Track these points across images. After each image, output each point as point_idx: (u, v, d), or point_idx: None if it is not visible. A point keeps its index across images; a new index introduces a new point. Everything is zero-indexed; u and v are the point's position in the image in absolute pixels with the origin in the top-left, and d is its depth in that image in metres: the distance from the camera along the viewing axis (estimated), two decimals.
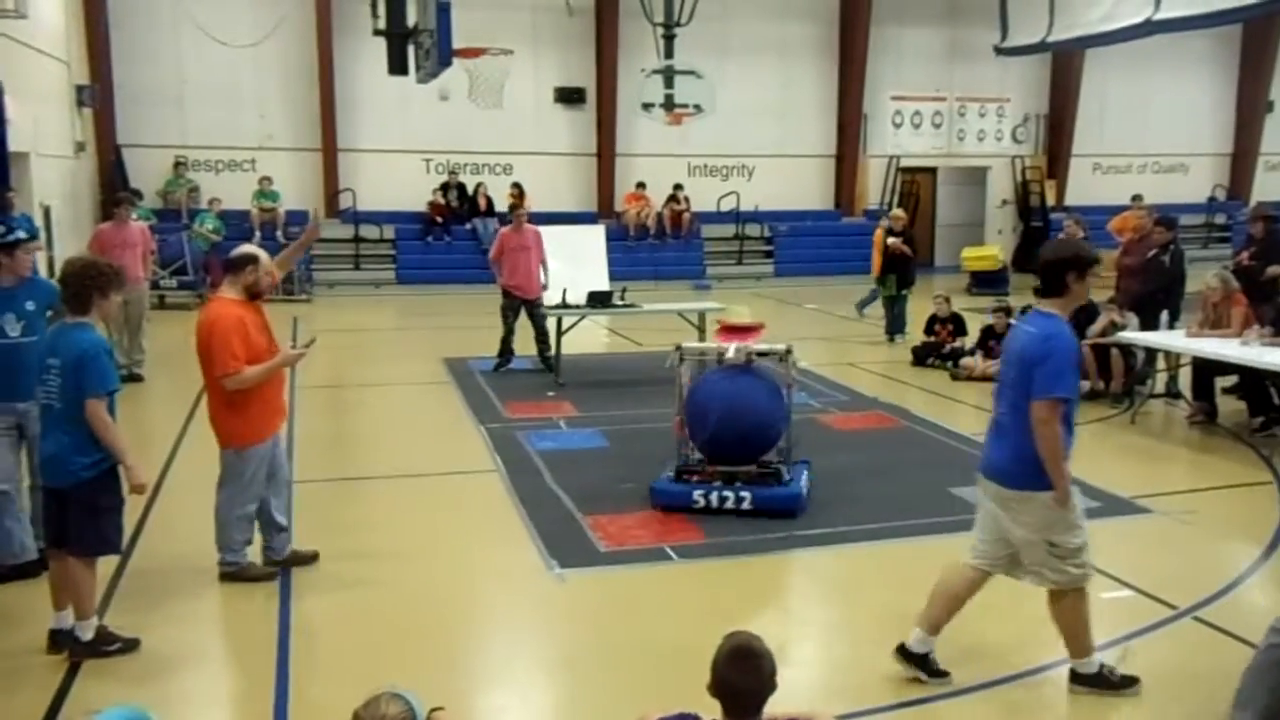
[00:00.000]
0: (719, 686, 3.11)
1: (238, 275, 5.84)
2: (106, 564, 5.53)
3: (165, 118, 19.82)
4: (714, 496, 7.11)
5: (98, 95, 18.06)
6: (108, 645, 5.07)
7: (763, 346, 7.70)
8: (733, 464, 7.29)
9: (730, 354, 7.50)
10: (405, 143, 20.97)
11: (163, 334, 13.39)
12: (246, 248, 6.11)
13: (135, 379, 11.39)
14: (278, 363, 5.92)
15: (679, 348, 7.79)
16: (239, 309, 5.77)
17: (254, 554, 6.12)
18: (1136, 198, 17.86)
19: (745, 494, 7.09)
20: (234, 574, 5.99)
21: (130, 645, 5.12)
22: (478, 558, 6.57)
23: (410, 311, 18.22)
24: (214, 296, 5.96)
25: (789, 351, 7.63)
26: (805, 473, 7.54)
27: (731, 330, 8.08)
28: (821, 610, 6.02)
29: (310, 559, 6.24)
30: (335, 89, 20.25)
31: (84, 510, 4.94)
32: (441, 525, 7.16)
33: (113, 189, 17.14)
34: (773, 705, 3.20)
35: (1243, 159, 26.39)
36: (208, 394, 5.94)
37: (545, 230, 12.75)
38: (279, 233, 19.47)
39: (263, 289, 5.96)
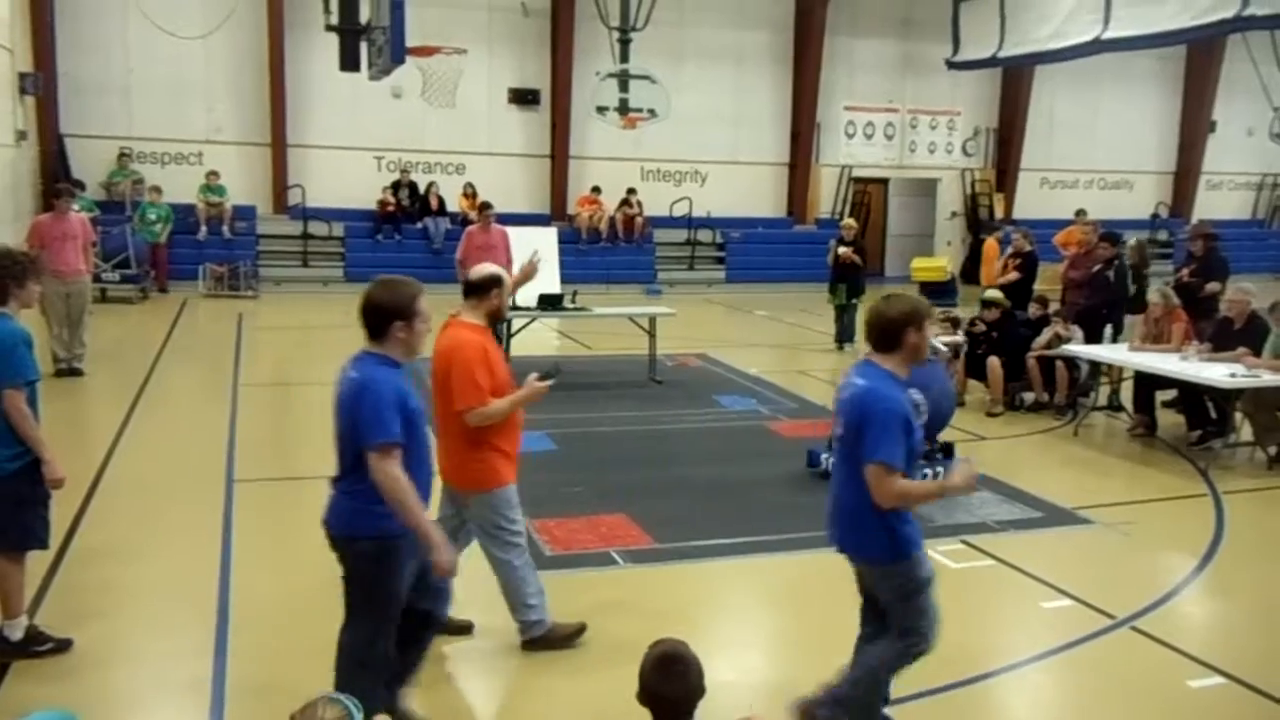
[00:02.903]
0: (647, 695, 3.09)
1: (482, 299, 5.19)
2: (39, 562, 5.41)
3: (110, 108, 19.46)
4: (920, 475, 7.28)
5: (41, 83, 17.71)
6: (39, 645, 4.95)
7: (946, 339, 9.09)
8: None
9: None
10: (356, 140, 20.75)
11: (105, 328, 13.17)
12: (489, 268, 5.40)
13: (75, 373, 11.18)
14: (523, 397, 5.07)
15: None
16: (481, 337, 5.11)
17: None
18: (1080, 212, 18.14)
19: (940, 470, 7.64)
20: (543, 638, 5.20)
21: (63, 645, 5.00)
22: None
23: (358, 310, 18.01)
24: (453, 320, 5.21)
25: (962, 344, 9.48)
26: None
27: None
28: (768, 616, 6.03)
29: (464, 629, 5.41)
30: (286, 83, 19.99)
31: (7, 504, 4.82)
32: None
33: (54, 179, 16.84)
34: (713, 710, 3.19)
35: (1185, 177, 26.92)
36: (447, 435, 5.11)
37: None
38: (225, 228, 19.24)
39: (504, 313, 5.48)
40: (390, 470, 3.87)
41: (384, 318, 4.18)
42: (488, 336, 5.18)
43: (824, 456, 8.12)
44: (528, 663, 5.17)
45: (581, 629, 5.31)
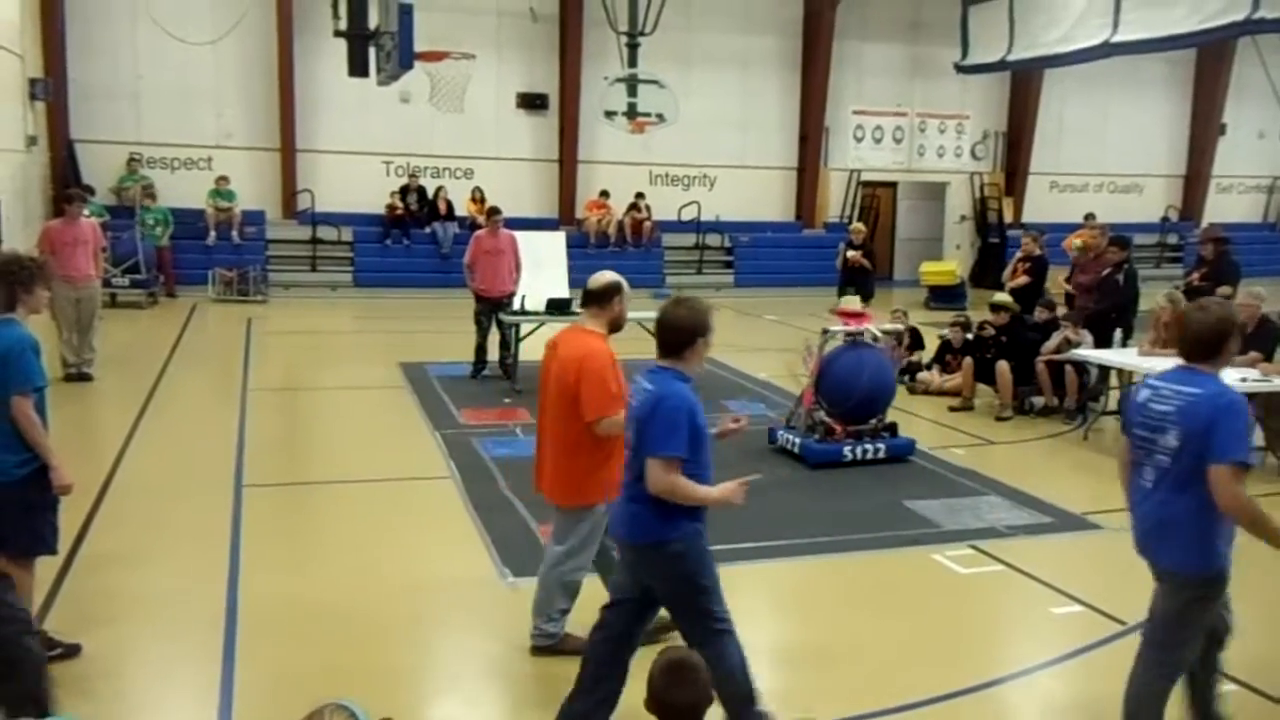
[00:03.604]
0: (655, 703, 3.07)
1: (604, 307, 5.05)
2: (48, 568, 5.41)
3: (120, 113, 19.52)
4: (859, 450, 8.81)
5: (51, 89, 17.76)
6: (48, 651, 4.94)
7: (888, 327, 9.69)
8: (861, 422, 8.94)
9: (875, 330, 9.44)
10: (365, 144, 20.80)
11: (114, 333, 13.20)
12: (610, 275, 5.18)
13: (85, 378, 11.20)
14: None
15: (825, 331, 9.55)
16: (606, 345, 4.99)
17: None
18: (1089, 216, 18.12)
19: (880, 445, 8.90)
20: (552, 647, 5.18)
21: (71, 651, 5.01)
22: (429, 565, 6.50)
23: (367, 315, 18.06)
24: (577, 329, 5.09)
25: (903, 332, 9.98)
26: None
27: (847, 314, 9.59)
28: (775, 622, 6.01)
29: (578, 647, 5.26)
30: (295, 89, 20.04)
31: (16, 510, 4.81)
32: (393, 531, 7.08)
33: (64, 184, 16.89)
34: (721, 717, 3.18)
35: (1195, 181, 26.82)
36: (558, 442, 5.01)
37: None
38: (234, 233, 19.28)
39: (624, 321, 5.22)
40: (670, 480, 4.00)
41: (686, 336, 4.17)
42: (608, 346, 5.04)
43: (780, 433, 9.22)
44: (534, 670, 5.16)
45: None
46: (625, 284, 5.16)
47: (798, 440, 8.98)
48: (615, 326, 5.10)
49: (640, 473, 4.09)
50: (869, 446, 8.86)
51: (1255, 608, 6.22)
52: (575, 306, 12.08)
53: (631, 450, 4.18)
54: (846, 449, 8.81)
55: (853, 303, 10.02)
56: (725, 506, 4.09)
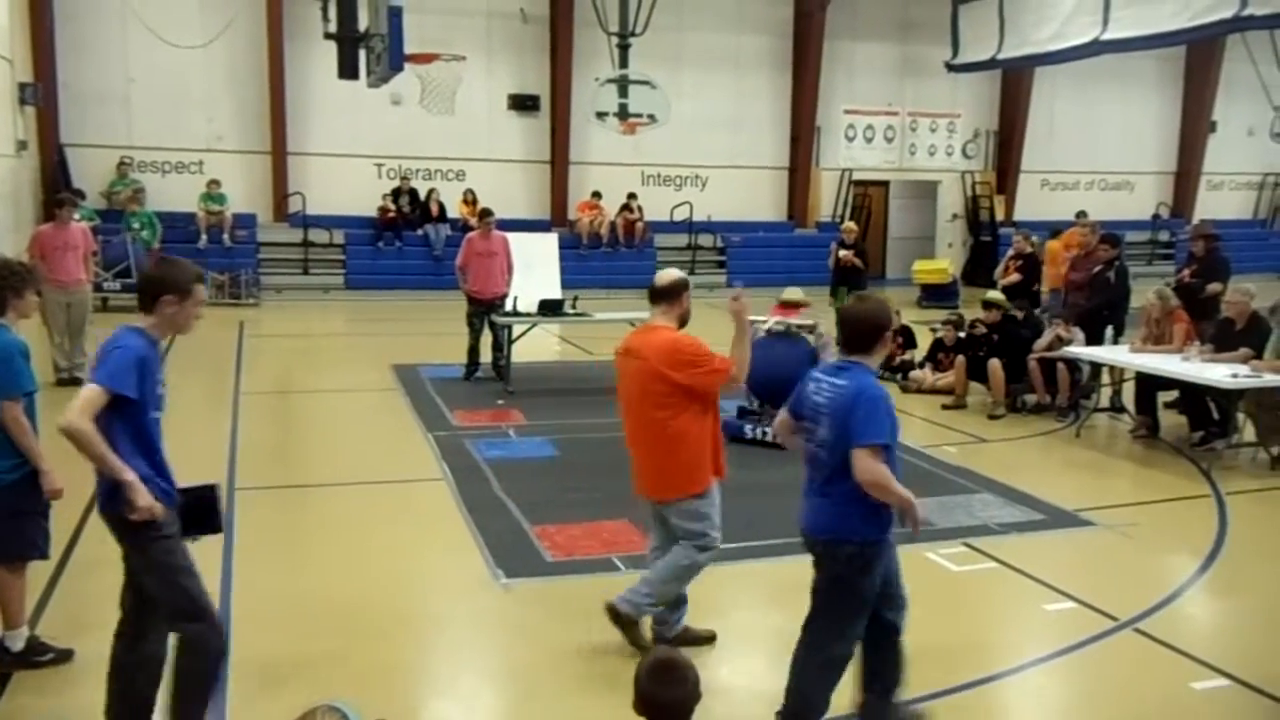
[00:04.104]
0: (643, 703, 3.06)
1: (673, 303, 5.11)
2: (39, 572, 5.40)
3: (111, 117, 19.48)
4: (758, 431, 9.28)
5: (41, 93, 17.73)
6: (40, 656, 4.95)
7: (799, 320, 9.74)
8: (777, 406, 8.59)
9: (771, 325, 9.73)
10: (356, 147, 20.77)
11: (106, 337, 13.16)
12: (676, 272, 5.25)
13: (77, 382, 11.14)
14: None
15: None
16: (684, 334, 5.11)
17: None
18: (1081, 214, 18.11)
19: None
20: (678, 637, 5.22)
21: (64, 656, 5.00)
22: (423, 567, 6.50)
23: (359, 317, 18.05)
24: (649, 328, 5.13)
25: (815, 325, 9.68)
26: None
27: (785, 306, 9.97)
28: (771, 620, 6.00)
29: (705, 639, 5.41)
30: (285, 91, 20.02)
31: (6, 515, 4.81)
32: (387, 534, 7.07)
33: (55, 189, 16.85)
34: (714, 715, 3.18)
35: (1186, 178, 26.90)
36: (656, 439, 5.04)
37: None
38: (225, 236, 19.25)
39: (689, 316, 5.24)
40: (875, 465, 4.06)
41: (874, 332, 4.34)
42: None
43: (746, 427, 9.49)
44: (529, 671, 5.16)
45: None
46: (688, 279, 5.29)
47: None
48: (684, 320, 5.18)
49: (831, 472, 4.19)
50: (767, 430, 9.05)
51: (1254, 606, 6.25)
52: (568, 308, 12.17)
53: (825, 449, 4.22)
54: (748, 428, 9.44)
55: (794, 294, 10.17)
56: (907, 512, 4.16)
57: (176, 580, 4.06)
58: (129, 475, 3.89)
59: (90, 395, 3.86)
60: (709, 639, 5.39)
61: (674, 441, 4.98)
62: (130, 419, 4.00)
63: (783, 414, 4.56)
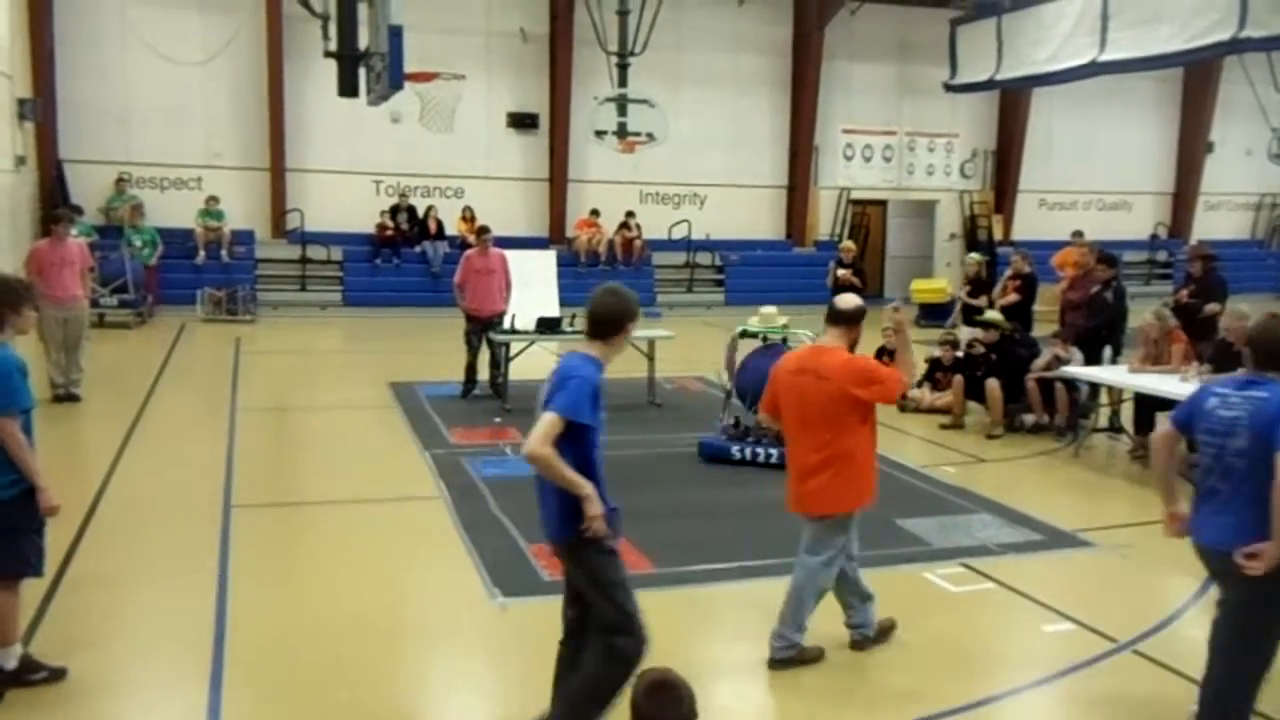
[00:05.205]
0: None
1: (851, 328, 5.32)
2: (33, 590, 5.37)
3: (109, 133, 19.50)
4: (748, 451, 9.17)
5: (40, 109, 17.74)
6: (33, 674, 4.91)
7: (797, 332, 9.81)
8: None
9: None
10: (355, 164, 20.81)
11: (102, 353, 13.15)
12: (858, 300, 5.44)
13: (73, 399, 11.15)
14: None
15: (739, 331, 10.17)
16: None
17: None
18: (1077, 234, 18.17)
19: (774, 450, 8.82)
20: (792, 659, 5.30)
21: (57, 674, 4.96)
22: (419, 585, 6.47)
23: (357, 335, 18.04)
24: (820, 349, 5.31)
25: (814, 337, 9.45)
26: None
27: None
28: (763, 641, 5.98)
29: (888, 629, 5.62)
30: (285, 109, 20.06)
31: (1, 531, 4.78)
32: (383, 552, 7.04)
33: (53, 204, 16.84)
34: None
35: (1184, 198, 26.98)
36: (823, 454, 5.17)
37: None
38: (223, 252, 19.25)
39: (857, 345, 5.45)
40: None
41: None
42: None
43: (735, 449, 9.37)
44: (521, 689, 5.13)
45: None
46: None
47: (773, 451, 9.20)
48: (852, 347, 5.35)
49: (1240, 482, 4.22)
50: (761, 450, 9.15)
51: None
52: (566, 325, 12.15)
53: (1244, 458, 4.23)
54: (735, 449, 9.30)
55: (770, 312, 10.43)
56: None
57: (613, 595, 4.28)
58: (589, 489, 4.11)
59: (551, 422, 4.08)
60: (890, 627, 5.63)
61: (848, 458, 5.18)
62: (580, 443, 4.19)
63: (1165, 427, 4.71)
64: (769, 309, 10.58)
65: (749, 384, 9.55)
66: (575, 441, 4.14)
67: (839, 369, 5.14)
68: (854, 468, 5.21)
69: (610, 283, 4.48)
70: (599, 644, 4.31)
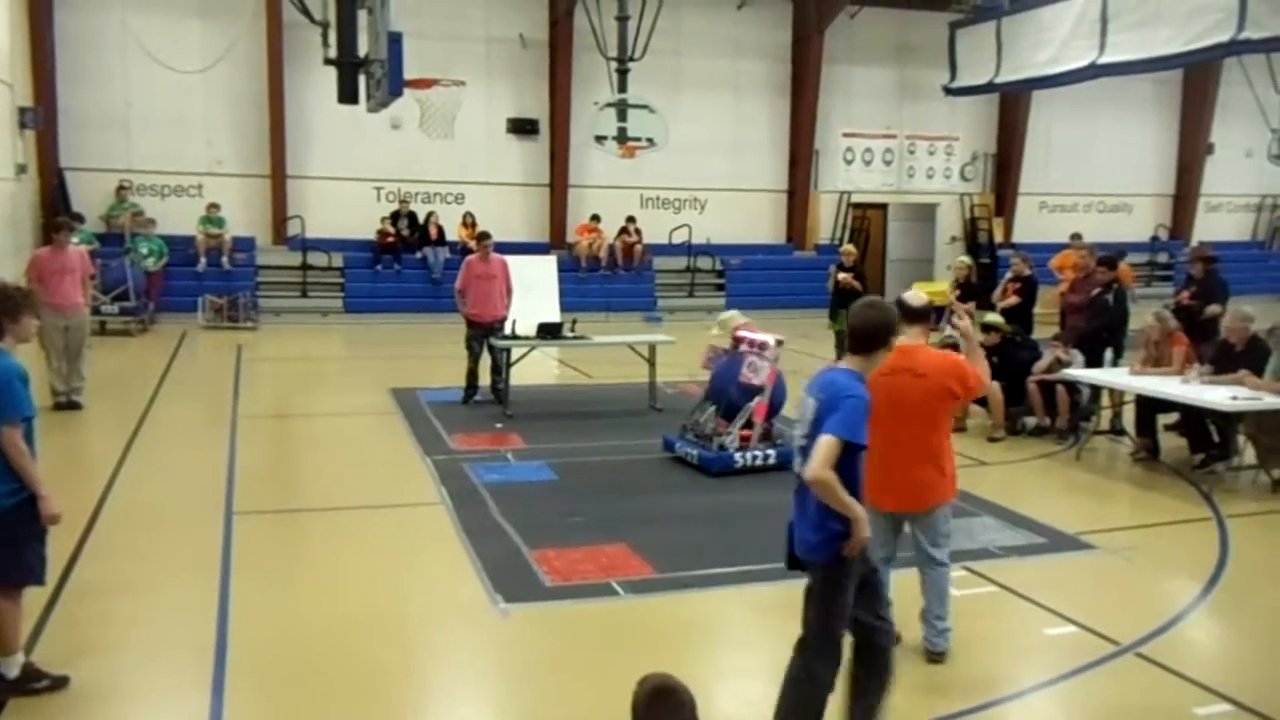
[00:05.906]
0: None
1: (927, 323, 5.62)
2: (35, 598, 5.37)
3: (110, 141, 19.54)
4: (748, 456, 9.20)
5: (41, 117, 17.77)
6: (35, 682, 4.91)
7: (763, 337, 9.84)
8: (729, 420, 9.42)
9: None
10: (355, 170, 20.83)
11: (103, 361, 13.16)
12: (923, 295, 5.69)
13: (74, 406, 11.15)
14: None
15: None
16: None
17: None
18: (1075, 236, 18.16)
19: (770, 452, 9.18)
20: (946, 650, 5.44)
21: (59, 682, 4.96)
22: (421, 591, 6.47)
23: (358, 341, 18.05)
24: (909, 348, 5.29)
25: (780, 342, 9.68)
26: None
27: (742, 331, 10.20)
28: (771, 646, 5.96)
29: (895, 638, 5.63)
30: (285, 116, 20.09)
31: (4, 540, 4.78)
32: (385, 558, 7.04)
33: (54, 212, 16.89)
34: None
35: (1184, 200, 26.99)
36: (923, 450, 5.33)
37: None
38: (224, 259, 19.27)
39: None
40: None
41: None
42: None
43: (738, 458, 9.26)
44: (524, 695, 5.13)
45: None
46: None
47: (694, 452, 9.38)
48: (924, 337, 5.57)
49: None
50: (758, 453, 9.24)
51: (1255, 630, 6.22)
52: (566, 331, 12.16)
53: None
54: (738, 456, 9.22)
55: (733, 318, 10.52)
56: None
57: (829, 619, 4.30)
58: (861, 512, 4.15)
59: (830, 444, 4.10)
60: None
61: (940, 453, 5.38)
62: (851, 463, 4.20)
63: None
64: (727, 314, 10.71)
65: (716, 388, 9.88)
66: (845, 462, 4.16)
67: (936, 366, 5.34)
68: (948, 458, 5.42)
69: (869, 296, 4.59)
70: (798, 662, 4.37)
